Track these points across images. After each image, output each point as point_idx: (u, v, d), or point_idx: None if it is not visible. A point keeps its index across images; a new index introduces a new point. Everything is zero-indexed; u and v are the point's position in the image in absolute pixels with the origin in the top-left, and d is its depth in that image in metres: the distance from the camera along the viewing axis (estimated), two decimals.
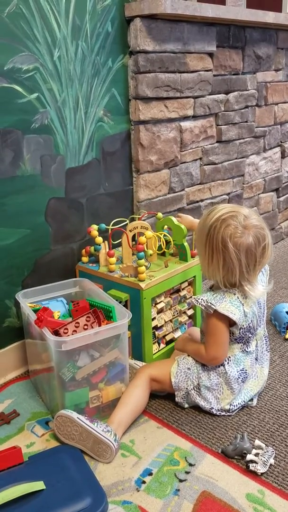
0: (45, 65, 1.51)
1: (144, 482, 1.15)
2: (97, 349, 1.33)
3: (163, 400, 1.45)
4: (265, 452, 1.20)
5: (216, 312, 1.28)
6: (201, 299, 1.31)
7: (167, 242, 1.68)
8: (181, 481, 1.15)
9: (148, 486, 1.14)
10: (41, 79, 1.50)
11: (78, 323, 1.34)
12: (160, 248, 1.68)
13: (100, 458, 1.22)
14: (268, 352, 1.46)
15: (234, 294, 1.30)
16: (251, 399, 1.42)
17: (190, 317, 1.73)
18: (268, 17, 2.17)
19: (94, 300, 1.47)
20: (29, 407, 1.45)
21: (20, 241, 1.56)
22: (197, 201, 2.18)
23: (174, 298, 1.64)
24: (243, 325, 1.32)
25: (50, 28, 1.50)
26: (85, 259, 1.69)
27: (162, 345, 1.62)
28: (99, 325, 1.35)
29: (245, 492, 1.12)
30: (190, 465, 1.20)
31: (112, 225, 1.66)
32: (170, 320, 1.64)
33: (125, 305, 1.52)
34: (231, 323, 1.31)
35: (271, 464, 1.19)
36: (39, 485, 1.08)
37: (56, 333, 1.31)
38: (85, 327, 1.34)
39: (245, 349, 1.37)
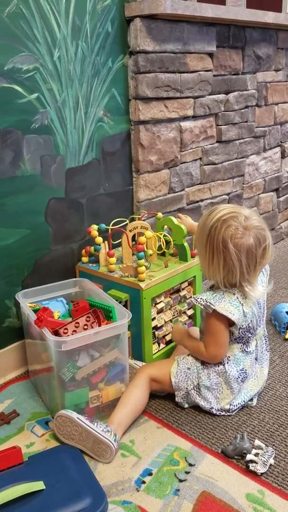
0: (45, 65, 1.51)
1: (144, 482, 1.15)
2: (97, 349, 1.33)
3: (163, 400, 1.45)
4: (265, 452, 1.20)
5: (215, 312, 1.28)
6: (200, 299, 1.31)
7: (167, 242, 1.68)
8: (181, 481, 1.15)
9: (148, 486, 1.14)
10: (41, 79, 1.51)
11: (78, 323, 1.34)
12: (160, 248, 1.68)
13: (100, 458, 1.22)
14: (268, 352, 1.46)
15: (234, 294, 1.30)
16: (251, 399, 1.42)
17: (190, 317, 1.74)
18: (268, 17, 2.17)
19: (94, 300, 1.47)
20: (29, 407, 1.45)
21: (20, 241, 1.56)
22: (197, 201, 2.18)
23: (174, 298, 1.64)
24: (242, 325, 1.32)
25: (50, 28, 1.50)
26: (85, 259, 1.69)
27: (162, 345, 1.62)
28: (99, 325, 1.35)
29: (245, 492, 1.12)
30: (190, 465, 1.20)
31: (112, 225, 1.66)
32: (170, 320, 1.64)
33: (125, 305, 1.52)
34: (230, 323, 1.31)
35: (271, 464, 1.19)
36: (39, 485, 1.08)
37: (56, 333, 1.31)
38: (85, 327, 1.34)
39: (244, 349, 1.37)
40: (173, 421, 1.36)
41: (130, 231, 1.63)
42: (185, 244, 1.63)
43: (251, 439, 1.28)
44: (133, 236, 1.64)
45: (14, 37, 1.41)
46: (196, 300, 1.32)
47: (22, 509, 1.03)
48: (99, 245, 1.63)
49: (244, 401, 1.39)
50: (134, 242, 1.65)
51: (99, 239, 1.62)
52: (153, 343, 1.58)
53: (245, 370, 1.37)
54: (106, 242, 1.66)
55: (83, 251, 1.69)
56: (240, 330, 1.33)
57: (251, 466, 1.17)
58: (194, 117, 2.05)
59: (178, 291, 1.66)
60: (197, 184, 2.16)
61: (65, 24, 1.54)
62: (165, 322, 1.61)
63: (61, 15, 1.52)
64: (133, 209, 1.92)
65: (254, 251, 1.26)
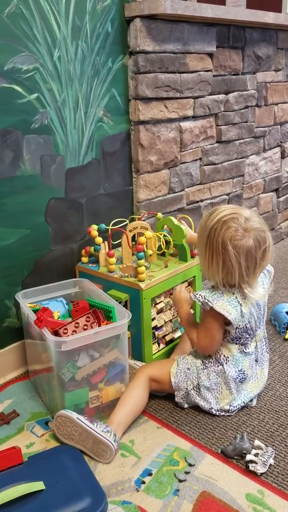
0: (45, 65, 1.51)
1: (143, 482, 1.15)
2: (97, 349, 1.33)
3: (162, 401, 1.45)
4: (264, 452, 1.20)
5: (212, 310, 1.29)
6: (199, 295, 1.31)
7: (167, 242, 1.68)
8: (180, 481, 1.15)
9: (148, 486, 1.14)
10: (41, 79, 1.51)
11: (77, 323, 1.34)
12: (160, 248, 1.68)
13: (99, 459, 1.22)
14: (268, 353, 1.46)
15: (233, 293, 1.30)
16: (251, 400, 1.42)
17: None
18: (268, 17, 2.17)
19: (94, 300, 1.47)
20: (28, 407, 1.45)
21: (20, 241, 1.56)
22: (197, 201, 2.18)
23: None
24: (239, 325, 1.32)
25: (50, 28, 1.50)
26: (85, 259, 1.69)
27: (162, 345, 1.62)
28: (99, 325, 1.35)
29: (244, 492, 1.12)
30: (190, 465, 1.20)
31: (112, 225, 1.66)
32: (170, 320, 1.64)
33: (125, 305, 1.52)
34: (226, 322, 1.31)
35: (270, 464, 1.19)
36: (39, 485, 1.08)
37: (55, 333, 1.31)
38: (85, 327, 1.34)
39: (243, 350, 1.37)
40: (172, 421, 1.36)
41: (130, 231, 1.63)
42: (185, 244, 1.63)
43: (251, 439, 1.28)
44: (133, 236, 1.64)
45: (14, 37, 1.41)
46: (195, 296, 1.32)
47: (22, 509, 1.03)
48: (99, 245, 1.63)
49: (244, 402, 1.39)
50: (134, 242, 1.65)
51: (99, 239, 1.62)
52: (153, 343, 1.58)
53: (244, 371, 1.37)
54: (106, 242, 1.66)
55: (83, 251, 1.69)
56: (237, 330, 1.33)
57: (251, 466, 1.17)
58: (194, 117, 2.05)
59: None
60: (197, 184, 2.16)
61: (65, 24, 1.54)
62: (165, 322, 1.61)
63: (61, 15, 1.52)
64: (133, 209, 1.92)
65: (253, 253, 1.26)
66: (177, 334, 1.67)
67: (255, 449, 1.22)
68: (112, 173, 1.81)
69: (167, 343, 1.65)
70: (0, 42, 1.38)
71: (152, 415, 1.39)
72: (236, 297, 1.30)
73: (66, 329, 1.32)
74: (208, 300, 1.29)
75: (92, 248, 1.66)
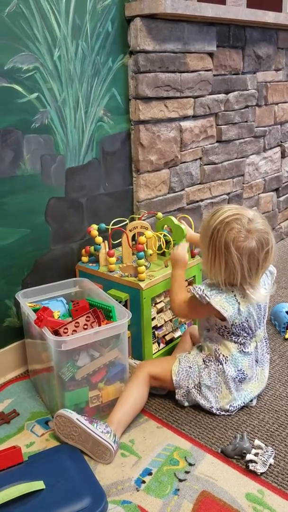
0: (45, 65, 1.51)
1: (143, 481, 1.15)
2: (97, 349, 1.33)
3: (162, 400, 1.45)
4: (264, 452, 1.20)
5: (209, 304, 1.29)
6: (198, 288, 1.32)
7: (167, 242, 1.68)
8: (180, 480, 1.15)
9: (148, 485, 1.14)
10: (41, 79, 1.50)
11: (78, 322, 1.34)
12: (160, 248, 1.68)
13: (99, 459, 1.21)
14: (268, 354, 1.46)
15: (232, 291, 1.31)
16: (251, 400, 1.42)
17: None
18: (268, 17, 2.17)
19: (94, 300, 1.47)
20: (29, 407, 1.45)
21: (20, 241, 1.56)
22: (197, 201, 2.18)
23: None
24: (235, 322, 1.32)
25: (50, 27, 1.50)
26: (85, 259, 1.69)
27: (162, 345, 1.62)
28: (99, 325, 1.35)
29: (244, 492, 1.12)
30: (190, 464, 1.20)
31: (112, 225, 1.66)
32: (170, 320, 1.64)
33: (125, 305, 1.52)
34: (221, 318, 1.31)
35: (270, 464, 1.19)
36: (39, 484, 1.08)
37: (56, 332, 1.31)
38: (85, 327, 1.34)
39: (242, 350, 1.37)
40: (173, 420, 1.36)
41: (130, 230, 1.63)
42: None
43: (251, 439, 1.28)
44: (133, 236, 1.64)
45: (14, 36, 1.41)
46: (194, 289, 1.33)
47: (22, 509, 1.03)
48: (99, 244, 1.63)
49: (244, 402, 1.39)
50: (134, 242, 1.65)
51: (99, 239, 1.62)
52: (153, 343, 1.58)
53: (244, 371, 1.37)
54: (106, 241, 1.66)
55: (83, 250, 1.69)
56: (233, 326, 1.33)
57: (251, 466, 1.17)
58: (194, 117, 2.05)
59: None
60: (197, 184, 2.16)
61: (65, 23, 1.54)
62: (165, 321, 1.61)
63: (61, 14, 1.52)
64: (133, 208, 1.92)
65: (256, 255, 1.26)
66: (177, 333, 1.67)
67: (255, 448, 1.22)
68: (112, 172, 1.80)
69: (167, 343, 1.64)
70: (0, 42, 1.38)
71: (152, 414, 1.39)
72: (235, 295, 1.30)
73: (66, 328, 1.32)
74: (206, 294, 1.30)
75: (92, 248, 1.66)
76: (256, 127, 2.46)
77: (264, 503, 1.09)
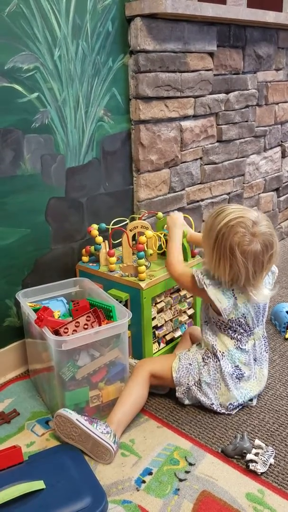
0: (45, 65, 1.51)
1: (144, 481, 1.15)
2: (97, 349, 1.33)
3: (163, 400, 1.45)
4: (265, 452, 1.20)
5: (204, 291, 1.31)
6: (200, 273, 1.33)
7: (168, 242, 1.68)
8: (181, 480, 1.15)
9: (148, 485, 1.14)
10: (41, 79, 1.50)
11: (78, 322, 1.34)
12: (160, 247, 1.68)
13: (99, 460, 1.21)
14: (267, 353, 1.46)
15: (231, 285, 1.31)
16: (251, 399, 1.42)
17: (190, 316, 1.74)
18: (269, 16, 2.17)
19: (94, 300, 1.47)
20: (29, 407, 1.45)
21: (20, 241, 1.56)
22: (198, 201, 2.18)
23: (174, 297, 1.64)
24: (231, 317, 1.33)
25: (50, 27, 1.50)
26: (85, 258, 1.69)
27: (162, 345, 1.62)
28: (99, 325, 1.35)
29: (245, 492, 1.12)
30: (190, 464, 1.20)
31: (112, 225, 1.66)
32: (170, 320, 1.64)
33: (125, 305, 1.52)
34: (216, 310, 1.33)
35: (271, 464, 1.19)
36: (39, 484, 1.08)
37: (56, 332, 1.31)
38: (85, 326, 1.34)
39: (239, 346, 1.37)
40: (173, 420, 1.36)
41: (131, 230, 1.63)
42: (186, 243, 1.63)
43: (251, 438, 1.28)
44: (134, 236, 1.64)
45: (15, 36, 1.41)
46: (196, 271, 1.34)
47: (22, 509, 1.03)
48: (99, 244, 1.63)
49: (244, 401, 1.39)
50: (134, 242, 1.65)
51: (99, 239, 1.62)
52: (153, 343, 1.58)
53: (240, 367, 1.37)
54: (106, 241, 1.66)
55: (83, 250, 1.69)
56: (230, 321, 1.33)
57: (251, 466, 1.17)
58: (195, 117, 2.05)
59: (178, 290, 1.66)
60: (198, 183, 2.16)
61: (65, 23, 1.54)
62: (165, 321, 1.61)
63: (61, 14, 1.52)
64: (134, 208, 1.92)
65: (261, 258, 1.26)
66: (178, 333, 1.67)
67: (255, 448, 1.22)
68: (112, 172, 1.80)
69: (167, 343, 1.65)
70: (0, 41, 1.38)
71: (152, 414, 1.39)
72: (233, 290, 1.31)
73: (67, 328, 1.32)
74: (204, 282, 1.31)
75: (92, 248, 1.66)
76: (257, 127, 2.46)
77: (265, 503, 1.09)
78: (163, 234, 1.66)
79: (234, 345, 1.36)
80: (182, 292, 1.67)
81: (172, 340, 1.65)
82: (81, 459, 1.19)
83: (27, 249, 1.58)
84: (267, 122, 2.53)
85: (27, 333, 1.54)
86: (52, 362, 1.29)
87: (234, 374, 1.36)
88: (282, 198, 2.85)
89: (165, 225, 1.71)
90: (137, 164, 1.85)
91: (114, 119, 1.76)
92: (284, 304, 1.91)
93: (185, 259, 1.64)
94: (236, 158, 2.36)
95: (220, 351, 1.36)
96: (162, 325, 1.61)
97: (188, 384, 1.37)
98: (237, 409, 1.39)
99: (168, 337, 1.64)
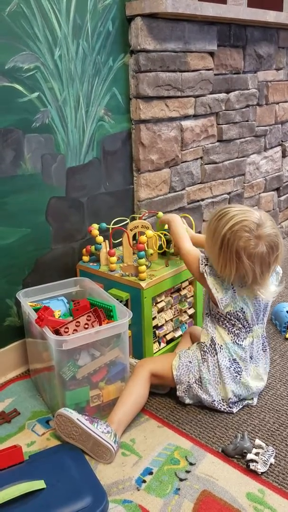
0: (46, 64, 1.51)
1: (144, 481, 1.15)
2: (98, 348, 1.33)
3: (163, 399, 1.45)
4: (265, 452, 1.20)
5: (204, 278, 1.33)
6: (205, 260, 1.35)
7: (168, 242, 1.68)
8: (181, 480, 1.15)
9: (149, 485, 1.14)
10: (42, 78, 1.50)
11: (78, 322, 1.34)
12: (160, 247, 1.68)
13: (100, 459, 1.22)
14: (264, 352, 1.46)
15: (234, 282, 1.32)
16: (252, 398, 1.42)
17: (190, 316, 1.74)
18: (269, 16, 2.17)
19: (94, 299, 1.48)
20: (29, 406, 1.45)
21: (21, 240, 1.56)
22: (198, 201, 2.18)
23: (175, 297, 1.64)
24: (229, 310, 1.34)
25: (51, 27, 1.50)
26: (85, 258, 1.69)
27: (162, 344, 1.62)
28: (100, 324, 1.35)
29: (245, 491, 1.12)
30: (191, 464, 1.20)
31: (112, 224, 1.66)
32: (171, 319, 1.64)
33: (126, 304, 1.52)
34: (214, 301, 1.34)
35: (271, 464, 1.19)
36: (40, 484, 1.08)
37: (56, 332, 1.31)
38: (86, 326, 1.34)
39: (236, 341, 1.37)
40: (173, 420, 1.36)
41: (131, 230, 1.63)
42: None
43: (251, 438, 1.28)
44: (134, 235, 1.64)
45: (15, 36, 1.41)
46: (201, 255, 1.36)
47: (22, 508, 1.03)
48: (100, 244, 1.63)
49: (241, 394, 1.38)
50: (134, 241, 1.65)
51: (99, 238, 1.62)
52: (154, 342, 1.58)
53: (238, 362, 1.37)
54: (106, 241, 1.66)
55: (84, 250, 1.69)
56: (228, 314, 1.34)
57: (252, 466, 1.17)
58: (195, 116, 2.05)
59: (178, 290, 1.66)
60: (198, 183, 2.16)
61: (66, 23, 1.53)
62: (166, 321, 1.61)
63: (62, 14, 1.52)
64: (134, 208, 1.92)
65: (267, 259, 1.27)
66: (178, 333, 1.67)
67: (256, 448, 1.22)
68: (113, 172, 1.80)
69: (167, 342, 1.65)
70: (1, 41, 1.38)
71: (153, 414, 1.39)
72: (233, 283, 1.32)
73: (67, 328, 1.32)
74: (205, 271, 1.33)
75: (93, 247, 1.66)
76: (257, 127, 2.46)
77: (265, 503, 1.09)
78: (163, 234, 1.66)
79: (232, 339, 1.37)
80: (183, 292, 1.67)
81: (172, 340, 1.65)
82: (82, 458, 1.20)
83: (28, 248, 1.58)
84: (267, 121, 2.53)
85: (27, 332, 1.54)
86: (52, 362, 1.29)
87: (231, 367, 1.36)
88: (282, 198, 2.85)
89: (166, 225, 1.71)
90: (137, 163, 1.85)
91: (115, 119, 1.76)
92: (284, 304, 1.91)
93: None
94: (237, 157, 2.36)
95: (218, 344, 1.36)
96: (162, 325, 1.61)
97: (188, 382, 1.37)
98: (238, 407, 1.39)
99: (168, 337, 1.64)
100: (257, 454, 1.20)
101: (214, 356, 1.36)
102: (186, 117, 2.00)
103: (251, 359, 1.41)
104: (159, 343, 1.61)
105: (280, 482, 1.14)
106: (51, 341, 1.25)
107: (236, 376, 1.37)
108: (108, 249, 1.63)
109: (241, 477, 1.16)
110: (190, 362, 1.38)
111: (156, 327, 1.59)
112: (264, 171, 2.61)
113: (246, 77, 2.28)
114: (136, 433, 1.32)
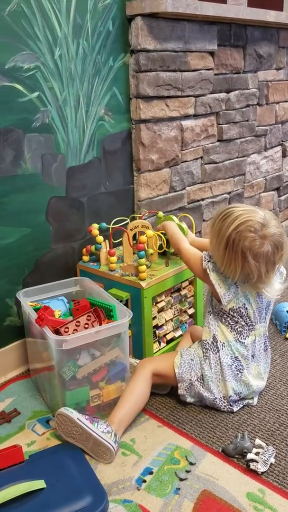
0: (46, 64, 1.51)
1: (144, 481, 1.15)
2: (98, 348, 1.33)
3: (164, 399, 1.45)
4: (265, 451, 1.20)
5: (206, 274, 1.33)
6: (209, 257, 1.35)
7: (168, 241, 1.68)
8: (181, 480, 1.15)
9: (149, 485, 1.14)
10: (42, 78, 1.50)
11: (78, 322, 1.34)
12: (161, 247, 1.68)
13: (100, 459, 1.21)
14: (266, 352, 1.46)
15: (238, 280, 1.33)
16: (252, 398, 1.42)
17: (190, 316, 1.74)
18: (269, 16, 2.17)
19: (94, 299, 1.47)
20: (30, 406, 1.45)
21: (21, 240, 1.56)
22: (198, 200, 2.18)
23: (175, 297, 1.63)
24: (232, 306, 1.34)
25: (51, 26, 1.50)
26: (86, 258, 1.69)
27: (162, 344, 1.62)
28: (100, 324, 1.35)
29: (245, 491, 1.12)
30: (191, 464, 1.20)
31: (112, 224, 1.66)
32: (171, 319, 1.64)
33: (126, 304, 1.52)
34: (217, 297, 1.34)
35: (271, 463, 1.19)
36: (40, 483, 1.08)
37: (56, 332, 1.31)
38: (86, 326, 1.34)
39: (238, 339, 1.37)
40: (174, 420, 1.36)
41: (131, 230, 1.63)
42: (182, 226, 1.63)
43: (251, 438, 1.28)
44: (134, 235, 1.64)
45: (15, 35, 1.41)
46: (204, 254, 1.36)
47: (22, 508, 1.03)
48: (100, 244, 1.63)
49: (242, 391, 1.38)
50: (135, 241, 1.65)
51: (100, 238, 1.62)
52: (154, 342, 1.58)
53: (240, 360, 1.37)
54: (107, 241, 1.66)
55: (84, 250, 1.69)
56: (231, 310, 1.35)
57: (252, 465, 1.17)
58: (195, 116, 2.05)
59: (179, 290, 1.66)
60: (198, 183, 2.16)
61: (66, 22, 1.53)
62: (166, 321, 1.61)
63: (62, 13, 1.52)
64: (134, 208, 1.92)
65: (272, 258, 1.27)
66: (178, 333, 1.67)
67: (256, 448, 1.22)
68: (113, 171, 1.80)
69: (168, 342, 1.64)
70: (1, 41, 1.38)
71: (153, 413, 1.39)
72: (235, 280, 1.33)
73: (67, 327, 1.32)
74: (208, 267, 1.33)
75: (93, 247, 1.66)
76: (257, 126, 2.46)
77: (265, 503, 1.09)
78: (163, 234, 1.65)
79: (234, 337, 1.37)
80: (183, 292, 1.67)
81: (172, 339, 1.65)
82: (82, 458, 1.19)
83: (28, 248, 1.58)
84: (267, 121, 2.53)
85: (27, 332, 1.54)
86: (52, 362, 1.29)
87: (233, 365, 1.36)
88: (282, 198, 2.85)
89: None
90: (137, 163, 1.85)
91: (115, 119, 1.76)
92: (285, 303, 1.91)
93: None
94: (237, 157, 2.36)
95: (220, 341, 1.36)
96: (162, 325, 1.61)
97: (190, 379, 1.37)
98: (238, 406, 1.39)
99: (168, 337, 1.64)
100: (257, 454, 1.20)
101: (216, 353, 1.36)
102: (186, 116, 2.00)
103: (253, 357, 1.41)
104: (159, 343, 1.61)
105: (280, 482, 1.14)
106: (51, 341, 1.25)
107: (237, 374, 1.37)
108: (108, 249, 1.63)
109: (241, 477, 1.16)
110: (192, 360, 1.38)
111: (156, 327, 1.59)
112: (264, 171, 2.61)
113: (246, 76, 2.28)
114: (136, 433, 1.32)
